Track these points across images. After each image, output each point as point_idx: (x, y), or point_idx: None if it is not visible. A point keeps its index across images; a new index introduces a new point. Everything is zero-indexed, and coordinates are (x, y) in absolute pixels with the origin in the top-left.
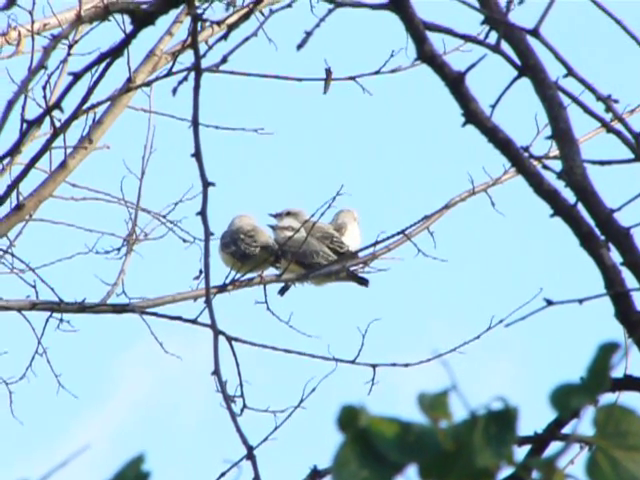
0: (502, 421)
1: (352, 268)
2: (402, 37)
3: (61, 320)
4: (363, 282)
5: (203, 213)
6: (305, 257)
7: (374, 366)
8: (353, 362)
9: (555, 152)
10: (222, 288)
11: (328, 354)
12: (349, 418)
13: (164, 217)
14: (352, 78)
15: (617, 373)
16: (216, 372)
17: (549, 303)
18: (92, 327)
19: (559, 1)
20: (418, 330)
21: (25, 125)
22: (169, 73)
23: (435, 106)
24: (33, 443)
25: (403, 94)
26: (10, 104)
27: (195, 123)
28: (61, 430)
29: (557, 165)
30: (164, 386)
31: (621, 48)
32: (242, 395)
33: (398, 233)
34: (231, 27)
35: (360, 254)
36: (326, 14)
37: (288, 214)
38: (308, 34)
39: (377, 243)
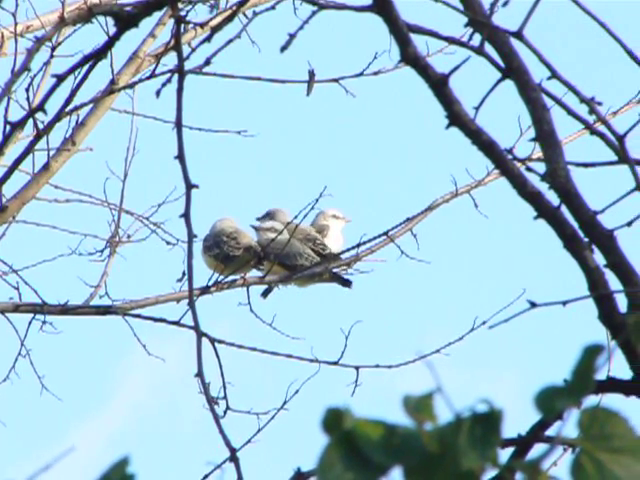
0: (487, 423)
1: (335, 270)
2: (386, 39)
3: (44, 322)
4: (346, 283)
5: (186, 215)
6: (288, 258)
7: (357, 368)
8: (336, 364)
9: (539, 154)
10: (205, 290)
11: (311, 356)
12: (334, 420)
13: (147, 219)
14: (335, 80)
15: (601, 375)
16: (199, 374)
17: (533, 305)
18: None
19: (543, 3)
20: (401, 332)
21: (8, 127)
22: (152, 75)
23: (419, 108)
24: (28, 446)
25: (386, 96)
26: None
27: (178, 125)
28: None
29: (541, 167)
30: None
31: (604, 50)
32: (225, 397)
33: (381, 235)
34: (214, 29)
35: (343, 256)
36: (309, 16)
37: (269, 214)
38: (292, 36)
39: (360, 245)
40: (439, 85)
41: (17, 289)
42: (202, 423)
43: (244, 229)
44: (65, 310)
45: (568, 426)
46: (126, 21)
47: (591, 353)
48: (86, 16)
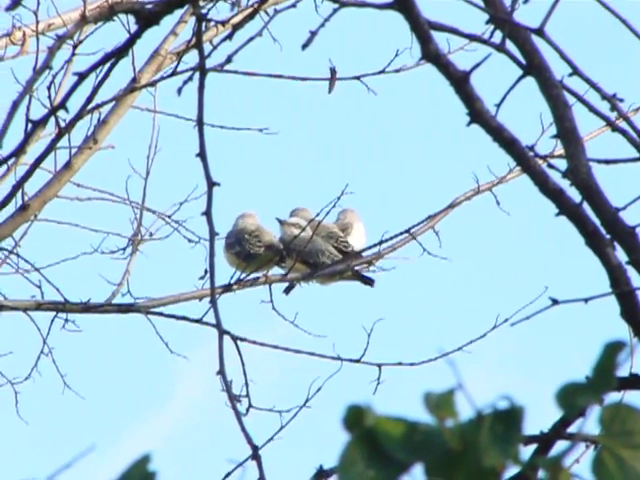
0: (508, 420)
1: (357, 267)
2: (407, 36)
3: (66, 320)
4: (368, 282)
5: (208, 213)
6: (310, 256)
7: (380, 365)
8: (358, 361)
9: (560, 151)
10: (227, 288)
11: (333, 353)
12: (355, 418)
13: (169, 217)
14: (357, 78)
15: (623, 372)
16: (221, 372)
17: (555, 302)
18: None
19: (564, 0)
20: (424, 329)
21: (30, 125)
22: (174, 73)
23: (440, 105)
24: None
25: (408, 93)
26: (15, 104)
27: (200, 123)
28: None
29: (562, 164)
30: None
31: (626, 47)
32: (247, 395)
33: (403, 232)
34: (236, 27)
35: (365, 253)
36: (331, 14)
37: (292, 214)
38: (313, 34)
39: (382, 242)
40: (460, 82)
41: (39, 287)
42: (225, 421)
43: (266, 226)
44: (87, 308)
45: (590, 423)
46: (147, 19)
47: (613, 350)
48: (107, 14)
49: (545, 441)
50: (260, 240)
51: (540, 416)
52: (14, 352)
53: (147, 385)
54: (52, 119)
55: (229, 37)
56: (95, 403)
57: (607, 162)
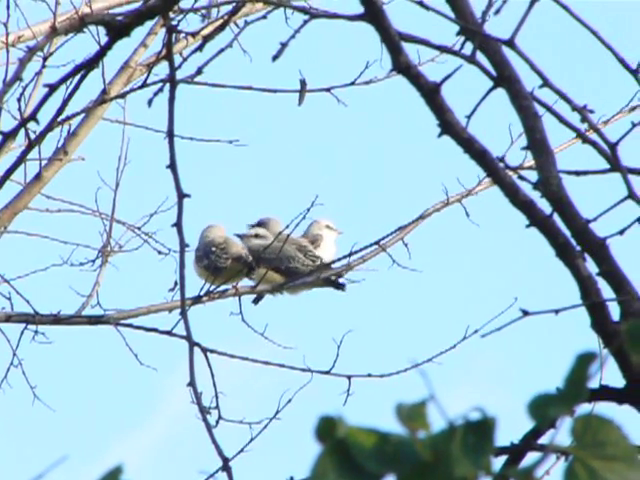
0: (480, 431)
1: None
2: (377, 48)
3: (36, 332)
4: (340, 287)
5: (178, 225)
6: (282, 262)
7: (349, 377)
8: (328, 373)
9: (531, 162)
10: (197, 300)
11: (303, 365)
12: (327, 429)
13: (139, 229)
14: (327, 89)
15: (593, 383)
16: (191, 383)
17: (525, 313)
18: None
19: (534, 11)
20: (394, 341)
21: (0, 137)
22: (144, 85)
23: (410, 117)
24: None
25: (378, 105)
26: None
27: (170, 134)
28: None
29: (533, 175)
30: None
31: (596, 58)
32: (217, 406)
33: (373, 244)
34: (206, 38)
35: (334, 265)
36: (301, 25)
37: (260, 223)
38: (283, 45)
39: (352, 254)
40: (431, 94)
41: (9, 299)
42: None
43: (234, 238)
44: (57, 320)
45: (561, 434)
46: (118, 31)
47: (584, 361)
48: (78, 26)
49: (516, 452)
50: (227, 252)
51: (511, 427)
52: None
53: (122, 397)
54: (22, 131)
55: (199, 49)
56: (66, 415)
57: (577, 173)
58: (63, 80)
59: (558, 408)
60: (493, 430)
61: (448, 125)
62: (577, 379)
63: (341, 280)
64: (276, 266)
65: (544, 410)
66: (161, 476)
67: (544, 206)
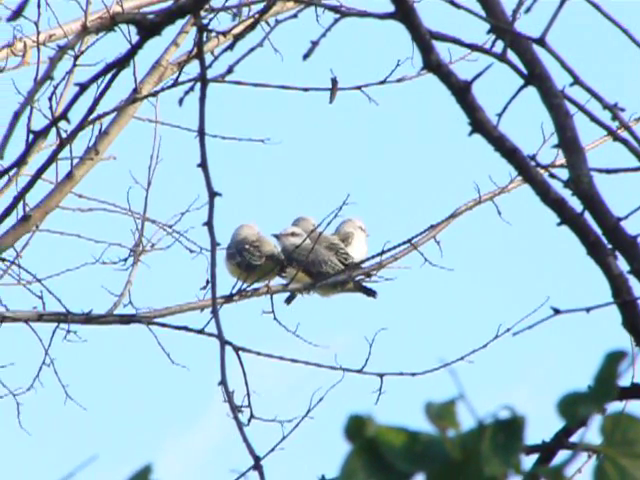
0: (510, 430)
1: (359, 278)
2: (408, 46)
3: (68, 331)
4: (371, 293)
5: (209, 223)
6: (313, 266)
7: (381, 375)
8: (360, 371)
9: (562, 161)
10: (229, 298)
11: (335, 364)
12: (356, 428)
13: (170, 227)
14: (358, 88)
15: (624, 382)
16: (223, 382)
17: (556, 312)
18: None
19: (565, 10)
20: (425, 339)
21: (31, 136)
22: (175, 83)
23: (441, 115)
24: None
25: (409, 103)
26: (16, 115)
27: (201, 133)
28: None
29: (564, 174)
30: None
31: (627, 56)
32: (249, 405)
33: (405, 242)
34: (237, 37)
35: (367, 263)
36: (332, 24)
37: (295, 223)
38: (314, 44)
39: (384, 252)
40: (462, 92)
41: (41, 298)
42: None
43: (267, 236)
44: (89, 319)
45: (592, 432)
46: (149, 29)
47: (614, 359)
48: (109, 24)
49: (547, 451)
50: (260, 250)
51: (542, 426)
52: (16, 363)
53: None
54: (53, 130)
55: (230, 47)
56: (98, 414)
57: (608, 172)
58: (94, 79)
59: (588, 406)
60: (523, 429)
61: (479, 123)
62: (607, 377)
63: (371, 286)
64: (307, 268)
65: (574, 409)
66: (199, 477)
67: (575, 204)
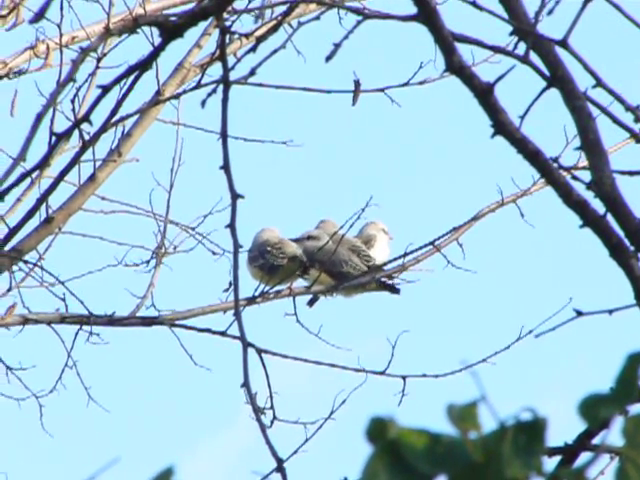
0: (531, 432)
1: (381, 280)
2: (431, 48)
3: (91, 333)
4: (395, 291)
5: (232, 225)
6: (334, 266)
7: (404, 377)
8: (383, 373)
9: (584, 163)
10: (251, 300)
11: (358, 365)
12: (378, 430)
13: (193, 229)
14: (381, 90)
15: None
16: (245, 384)
17: (579, 314)
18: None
19: (587, 11)
20: (448, 341)
21: (54, 138)
22: (198, 85)
23: (464, 117)
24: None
25: (432, 105)
26: (39, 117)
27: (224, 135)
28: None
29: (586, 176)
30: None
31: None
32: (272, 407)
33: (427, 244)
34: (259, 39)
35: (389, 265)
36: (354, 26)
37: (320, 225)
38: (337, 46)
39: (406, 254)
40: (484, 94)
41: (63, 300)
42: (249, 433)
43: (289, 239)
44: (112, 321)
45: (614, 434)
46: (171, 31)
47: (636, 361)
48: (131, 27)
49: (569, 453)
50: (283, 252)
51: (565, 428)
52: (38, 365)
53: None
54: (76, 132)
55: (253, 49)
56: (120, 416)
57: (631, 173)
58: (117, 81)
59: (609, 408)
60: (544, 430)
61: (501, 125)
62: (629, 379)
63: (396, 284)
64: (329, 269)
65: (596, 410)
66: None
67: (598, 206)
